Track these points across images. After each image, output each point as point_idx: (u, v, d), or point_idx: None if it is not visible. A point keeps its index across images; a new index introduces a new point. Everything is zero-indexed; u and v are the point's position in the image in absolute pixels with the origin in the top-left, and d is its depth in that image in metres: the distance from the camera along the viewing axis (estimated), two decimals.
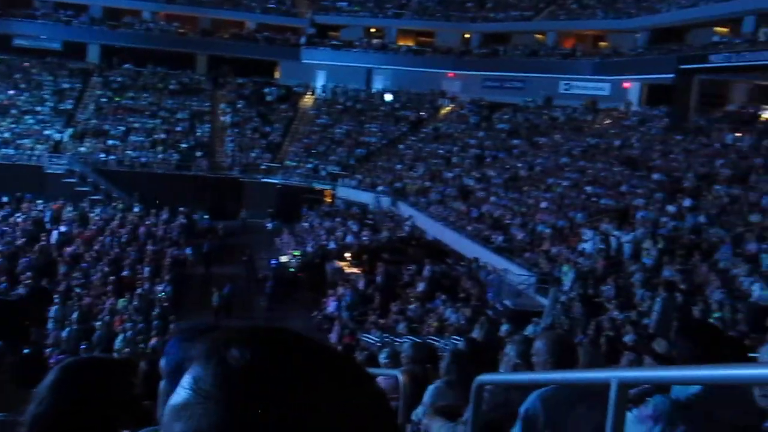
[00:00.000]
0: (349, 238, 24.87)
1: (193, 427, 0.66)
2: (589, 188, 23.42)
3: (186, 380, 0.69)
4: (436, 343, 11.83)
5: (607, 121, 32.02)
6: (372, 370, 6.00)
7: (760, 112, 25.61)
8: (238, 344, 0.70)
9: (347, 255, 23.18)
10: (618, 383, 2.05)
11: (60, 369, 1.91)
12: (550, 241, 19.87)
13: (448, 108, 38.88)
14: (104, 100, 36.90)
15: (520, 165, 28.93)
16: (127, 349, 14.55)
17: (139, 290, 18.81)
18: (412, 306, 17.98)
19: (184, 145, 34.34)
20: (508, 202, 24.77)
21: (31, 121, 34.33)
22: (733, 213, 17.71)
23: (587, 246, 18.56)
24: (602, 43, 36.92)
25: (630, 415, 2.81)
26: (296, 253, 24.30)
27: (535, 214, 22.49)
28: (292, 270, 22.88)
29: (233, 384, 0.67)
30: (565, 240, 19.77)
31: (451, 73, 39.44)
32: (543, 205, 23.15)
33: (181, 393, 0.68)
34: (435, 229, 24.74)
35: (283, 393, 0.67)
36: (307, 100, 40.27)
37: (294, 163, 34.60)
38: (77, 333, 15.47)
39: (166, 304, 18.44)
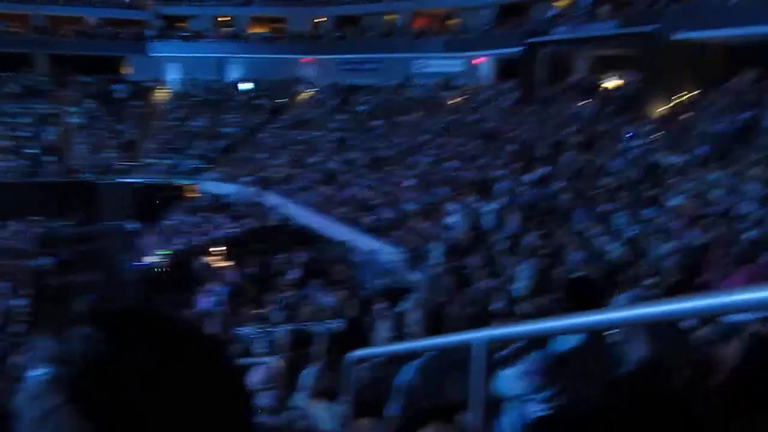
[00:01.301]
0: (216, 232, 24.42)
1: (35, 394, 0.67)
2: (449, 164, 24.04)
3: (34, 362, 0.70)
4: (313, 329, 11.85)
5: (461, 98, 32.90)
6: (246, 360, 5.95)
7: (599, 82, 27.06)
8: (73, 324, 0.71)
9: (216, 249, 22.77)
10: (477, 344, 2.13)
11: None
12: (417, 218, 20.28)
13: (305, 94, 38.77)
14: None
15: (381, 145, 29.30)
16: None
17: None
18: (286, 294, 17.90)
19: (30, 151, 32.52)
20: (373, 182, 25.05)
21: None
22: (585, 177, 18.69)
23: (452, 220, 19.07)
24: (451, 21, 37.81)
25: (509, 373, 2.93)
26: (162, 253, 23.62)
27: (401, 193, 22.88)
28: (159, 270, 22.25)
29: (68, 352, 0.68)
30: (431, 216, 20.23)
31: (305, 59, 39.32)
32: (407, 183, 23.57)
33: (32, 376, 0.69)
34: (304, 216, 24.70)
35: (104, 353, 0.68)
36: (160, 94, 39.05)
37: (152, 161, 33.52)
38: None
39: (24, 318, 17.51)
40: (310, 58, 39.27)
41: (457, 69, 34.69)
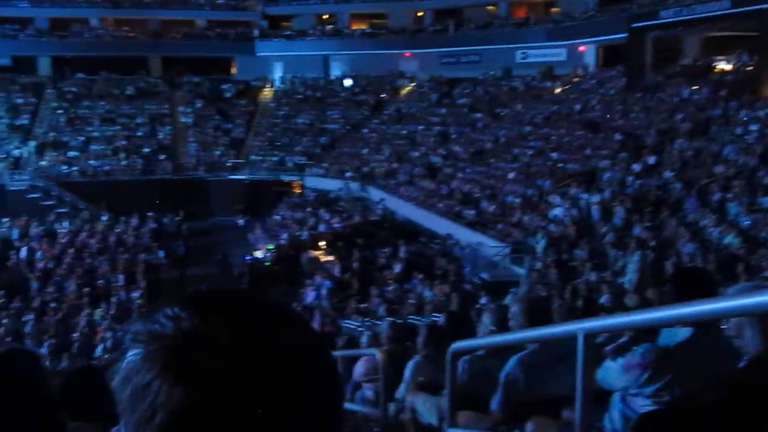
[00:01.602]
0: (321, 227, 24.85)
1: (128, 370, 0.70)
2: (554, 154, 23.59)
3: (129, 342, 0.73)
4: (416, 322, 11.88)
5: (566, 87, 32.21)
6: (351, 351, 6.03)
7: (713, 64, 25.92)
8: (166, 306, 0.74)
9: (321, 244, 23.17)
10: (584, 334, 2.08)
11: None
12: (520, 211, 20.01)
13: (407, 88, 38.87)
14: (60, 111, 36.33)
15: (484, 138, 29.05)
16: (106, 356, 14.44)
17: (114, 299, 18.68)
18: (389, 288, 18.04)
19: (146, 150, 34.00)
20: (475, 176, 24.88)
21: None
22: (697, 166, 17.96)
23: (557, 212, 18.73)
24: (554, 9, 37.05)
25: (615, 365, 2.86)
26: (270, 247, 24.22)
27: (504, 186, 22.63)
28: (267, 264, 22.82)
29: (159, 330, 0.71)
30: (535, 208, 19.92)
31: (407, 53, 39.40)
32: (510, 175, 23.29)
33: (128, 353, 0.73)
34: (406, 210, 24.79)
35: (214, 347, 0.69)
36: (266, 93, 40.03)
37: (259, 158, 34.42)
38: (56, 347, 15.32)
39: (143, 310, 18.32)
40: (410, 52, 39.34)
41: (560, 58, 33.99)
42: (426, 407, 4.16)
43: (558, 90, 32.36)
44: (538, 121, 28.34)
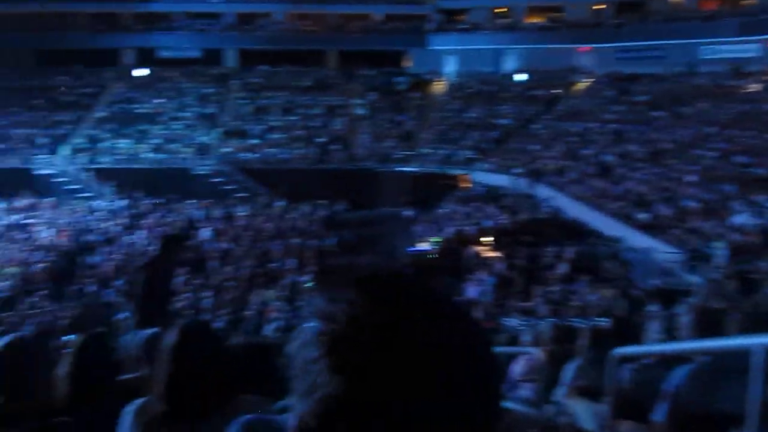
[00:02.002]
0: (487, 223, 24.70)
1: (302, 342, 0.73)
2: (740, 158, 22.11)
3: (308, 315, 0.77)
4: (579, 325, 11.56)
5: (757, 85, 30.04)
6: (510, 349, 5.97)
7: None
8: (342, 285, 0.77)
9: (486, 239, 23.03)
10: (758, 350, 1.94)
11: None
12: (699, 216, 18.94)
13: (581, 84, 37.76)
14: (244, 101, 38.42)
15: (662, 137, 27.70)
16: (276, 335, 15.13)
17: (285, 281, 19.55)
18: (553, 288, 17.65)
19: (321, 140, 35.22)
20: (651, 177, 23.79)
21: (178, 126, 36.29)
22: None
23: (741, 219, 17.55)
24: (746, 1, 34.60)
25: None
26: (435, 240, 24.38)
27: (682, 189, 21.49)
28: (432, 256, 22.98)
29: (332, 310, 0.73)
30: (714, 214, 18.78)
31: (582, 48, 38.25)
32: (690, 178, 22.08)
33: (307, 325, 0.77)
34: (575, 209, 24.14)
35: (365, 313, 0.71)
36: (438, 86, 40.27)
37: (428, 151, 34.71)
38: (230, 323, 16.24)
39: (311, 293, 19.02)
40: (587, 47, 38.17)
41: (752, 53, 31.73)
42: (585, 413, 4.04)
43: (749, 89, 30.23)
44: (725, 121, 26.63)
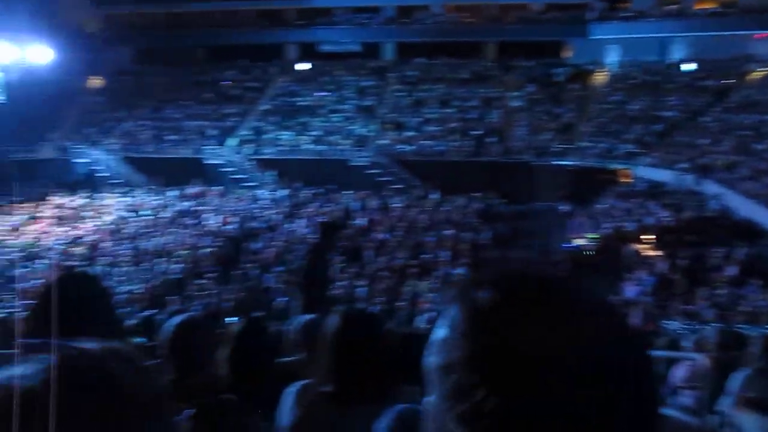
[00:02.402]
0: (649, 220, 23.70)
1: (446, 359, 0.73)
2: None
3: (443, 320, 0.77)
4: (748, 331, 10.87)
5: None
6: (671, 353, 5.70)
7: None
8: (484, 287, 0.75)
9: (647, 237, 22.11)
10: None
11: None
12: None
13: (756, 73, 35.31)
14: (401, 94, 38.91)
15: None
16: (430, 326, 15.26)
17: (438, 273, 19.65)
18: (720, 291, 16.69)
19: (476, 132, 35.06)
20: None
21: (337, 118, 37.31)
22: None
23: None
24: None
25: None
26: (592, 236, 23.69)
27: None
28: (588, 253, 22.35)
29: (478, 321, 0.72)
30: None
31: (760, 34, 35.73)
32: None
33: (439, 331, 0.76)
34: (746, 208, 22.67)
35: (520, 327, 0.70)
36: (599, 77, 38.99)
37: (587, 144, 33.71)
38: (382, 312, 16.54)
39: (450, 295, 18.98)
40: (765, 33, 35.63)
41: None
42: (754, 427, 3.79)
43: None
44: None
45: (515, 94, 38.06)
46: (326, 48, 42.65)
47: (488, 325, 0.73)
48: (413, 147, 34.41)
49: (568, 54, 40.85)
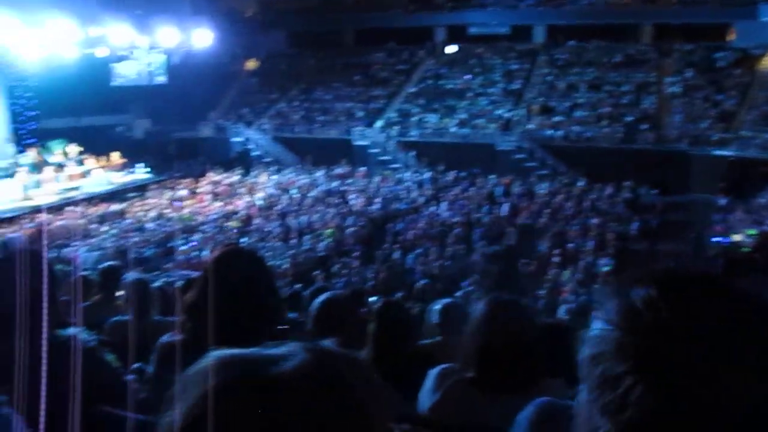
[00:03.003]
0: None
1: (599, 350, 0.71)
2: None
3: (600, 315, 0.75)
4: None
5: None
6: None
7: None
8: (640, 284, 0.73)
9: None
10: None
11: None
12: None
13: None
14: (550, 78, 38.04)
15: None
16: (568, 318, 14.94)
17: (581, 263, 19.17)
18: None
19: (628, 119, 33.78)
20: None
21: (483, 102, 37.01)
22: None
23: None
24: None
25: None
26: (751, 233, 22.31)
27: None
28: (746, 250, 21.08)
29: (634, 317, 0.70)
30: None
31: None
32: None
33: (596, 325, 0.74)
34: None
35: (676, 324, 0.67)
36: (766, 62, 36.46)
37: (750, 134, 31.68)
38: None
39: (608, 278, 18.46)
40: None
41: None
42: None
43: None
44: None
45: (672, 79, 36.30)
46: (475, 31, 42.30)
47: (648, 322, 0.70)
48: (561, 132, 33.60)
49: (732, 37, 38.43)
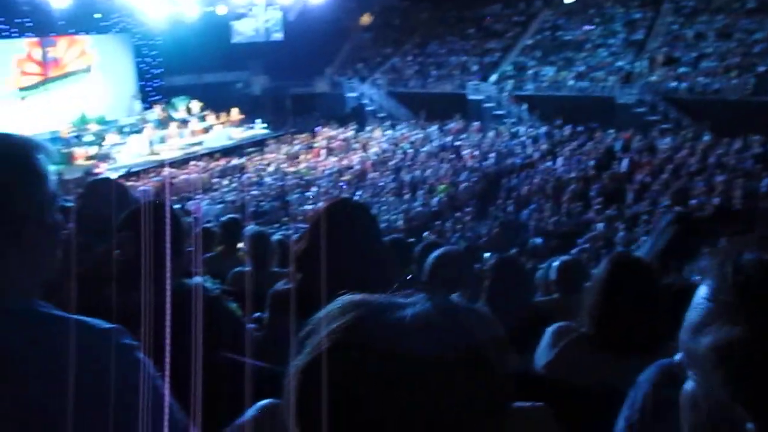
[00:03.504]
0: None
1: (720, 338, 0.64)
2: None
3: (701, 294, 0.68)
4: None
5: None
6: None
7: None
8: (749, 251, 0.65)
9: None
10: None
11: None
12: None
13: None
14: (675, 27, 36.20)
15: None
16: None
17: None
18: None
19: (760, 69, 31.78)
20: None
21: (603, 53, 35.67)
22: None
23: None
24: None
25: None
26: None
27: None
28: None
29: (751, 290, 0.62)
30: None
31: None
32: None
33: (698, 307, 0.67)
34: None
35: None
36: None
37: None
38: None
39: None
40: None
41: None
42: None
43: None
44: None
45: None
46: None
47: (763, 292, 0.63)
48: (686, 84, 32.01)
49: None
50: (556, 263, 4.39)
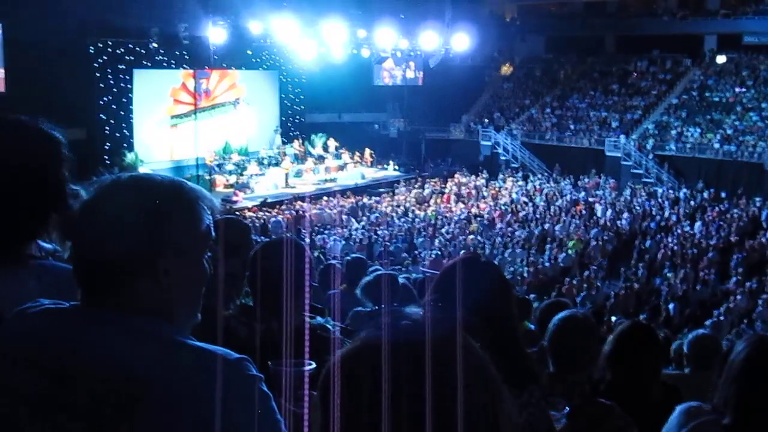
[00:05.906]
0: None
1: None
2: None
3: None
4: None
5: None
6: None
7: None
8: None
9: None
10: None
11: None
12: None
13: None
14: None
15: None
16: None
17: None
18: None
19: None
20: None
21: (754, 117, 34.00)
22: None
23: None
24: None
25: None
26: None
27: None
28: None
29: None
30: None
31: None
32: None
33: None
34: None
35: None
36: None
37: None
38: None
39: None
40: None
41: None
42: None
43: None
44: None
45: None
46: (750, 40, 38.91)
47: None
48: None
49: None
50: (690, 336, 4.18)
